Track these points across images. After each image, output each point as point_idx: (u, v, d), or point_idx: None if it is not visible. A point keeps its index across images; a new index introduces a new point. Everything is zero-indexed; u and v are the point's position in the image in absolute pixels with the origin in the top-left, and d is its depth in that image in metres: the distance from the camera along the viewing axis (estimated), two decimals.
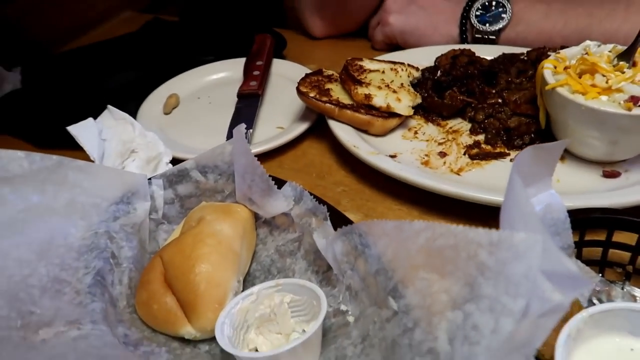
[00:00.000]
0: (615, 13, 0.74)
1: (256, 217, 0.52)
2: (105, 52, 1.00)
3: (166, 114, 0.78)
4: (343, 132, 0.64)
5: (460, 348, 0.31)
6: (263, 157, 0.66)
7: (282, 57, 0.91)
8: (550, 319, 0.29)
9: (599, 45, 0.58)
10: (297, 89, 0.67)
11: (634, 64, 0.54)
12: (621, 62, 0.54)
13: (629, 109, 0.50)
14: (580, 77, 0.54)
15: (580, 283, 0.28)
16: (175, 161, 0.60)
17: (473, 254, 0.32)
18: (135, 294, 0.46)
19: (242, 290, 0.45)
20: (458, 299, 0.33)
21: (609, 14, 0.74)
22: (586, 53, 0.57)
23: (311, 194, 0.47)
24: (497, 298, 0.30)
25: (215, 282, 0.43)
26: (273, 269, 0.49)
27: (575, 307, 0.39)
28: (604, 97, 0.52)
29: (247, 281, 0.49)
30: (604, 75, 0.53)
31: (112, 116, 0.67)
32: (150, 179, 0.53)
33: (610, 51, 0.56)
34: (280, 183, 0.48)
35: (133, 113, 0.67)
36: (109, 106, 0.67)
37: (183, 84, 0.84)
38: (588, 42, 0.59)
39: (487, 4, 0.81)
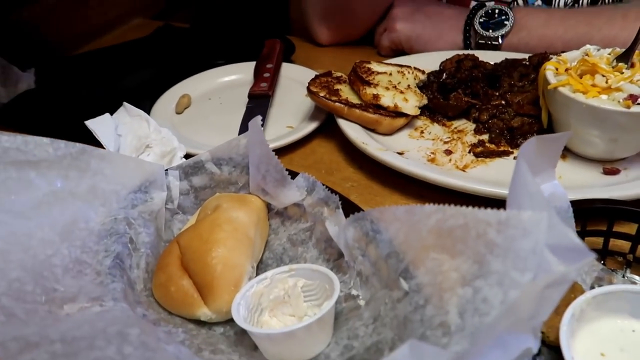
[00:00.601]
0: (613, 21, 0.76)
1: (268, 208, 0.54)
2: (117, 55, 1.02)
3: (178, 113, 0.81)
4: (352, 130, 0.66)
5: (471, 319, 0.32)
6: None
7: (291, 61, 0.93)
8: (556, 290, 0.30)
9: (598, 50, 0.61)
10: (308, 88, 0.70)
11: (632, 65, 0.56)
12: (620, 64, 0.56)
13: (628, 107, 0.52)
14: (581, 78, 0.56)
15: (584, 254, 0.29)
16: (188, 156, 0.62)
17: (482, 233, 0.34)
18: (153, 277, 0.47)
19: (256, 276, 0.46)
20: (468, 276, 0.34)
21: (606, 22, 0.77)
22: (587, 55, 0.59)
23: (323, 184, 0.49)
24: (506, 273, 0.32)
25: (231, 265, 0.44)
26: (285, 257, 0.50)
27: (578, 292, 0.41)
28: (604, 96, 0.54)
29: (260, 269, 0.50)
30: (603, 76, 0.55)
31: (128, 113, 0.69)
32: (167, 170, 0.55)
33: (609, 54, 0.58)
34: (293, 175, 0.50)
35: (146, 112, 0.69)
36: (124, 103, 0.69)
37: (195, 85, 0.86)
38: (588, 46, 0.61)
39: (490, 11, 0.84)
